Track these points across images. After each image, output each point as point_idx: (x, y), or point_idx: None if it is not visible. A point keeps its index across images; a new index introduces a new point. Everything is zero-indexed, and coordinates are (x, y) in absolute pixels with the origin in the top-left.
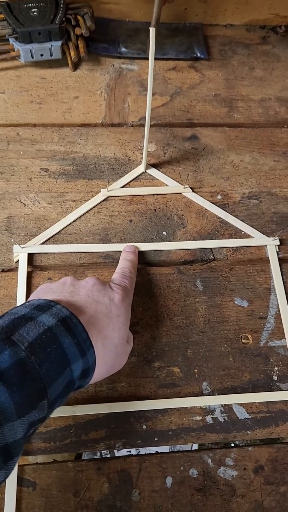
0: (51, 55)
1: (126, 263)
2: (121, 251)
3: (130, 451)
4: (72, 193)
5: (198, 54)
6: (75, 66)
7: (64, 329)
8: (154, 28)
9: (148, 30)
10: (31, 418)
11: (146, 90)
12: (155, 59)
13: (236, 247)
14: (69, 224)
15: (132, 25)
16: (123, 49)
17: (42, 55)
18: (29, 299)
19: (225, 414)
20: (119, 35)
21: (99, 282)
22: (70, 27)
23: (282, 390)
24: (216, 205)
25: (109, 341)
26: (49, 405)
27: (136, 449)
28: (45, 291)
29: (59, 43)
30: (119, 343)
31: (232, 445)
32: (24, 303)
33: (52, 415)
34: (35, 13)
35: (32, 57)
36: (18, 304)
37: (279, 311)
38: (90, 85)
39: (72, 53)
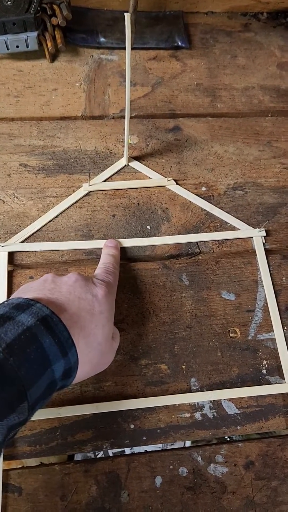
0: (27, 47)
1: (108, 258)
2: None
3: (124, 450)
4: (52, 188)
5: (179, 43)
6: (53, 58)
7: (44, 329)
8: (129, 14)
9: None
10: (10, 422)
11: None
12: (135, 48)
13: (222, 239)
14: (50, 221)
15: (110, 14)
16: (102, 39)
17: (18, 46)
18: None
19: (214, 410)
20: (97, 24)
21: (82, 277)
22: (46, 17)
23: (271, 384)
24: (200, 197)
25: (93, 339)
26: (29, 408)
27: (130, 449)
28: (26, 290)
29: (35, 33)
30: (104, 340)
31: (228, 439)
32: (3, 302)
33: (37, 418)
34: (8, 2)
35: (8, 49)
36: None
37: (266, 303)
38: (68, 77)
39: (49, 44)
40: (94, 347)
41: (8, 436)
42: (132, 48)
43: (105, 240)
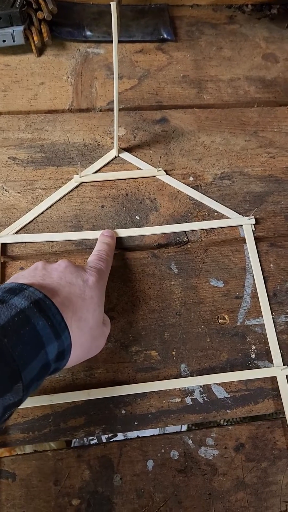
0: (14, 41)
1: (103, 245)
2: (93, 238)
3: (116, 435)
4: (41, 181)
5: (165, 36)
6: (40, 52)
7: (37, 311)
8: (114, 3)
9: None
10: (6, 402)
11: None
12: (121, 42)
13: (211, 228)
14: (42, 213)
15: (96, 8)
16: (88, 33)
17: (4, 41)
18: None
19: (204, 395)
20: (83, 18)
21: (72, 264)
22: (31, 11)
23: (260, 368)
24: (188, 187)
25: (84, 323)
26: (24, 388)
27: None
28: (17, 278)
29: (21, 28)
30: (95, 325)
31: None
32: None
33: (29, 405)
34: None
35: None
36: None
37: (255, 290)
38: (55, 71)
39: (35, 38)
40: (86, 332)
41: (4, 417)
42: (118, 41)
43: (95, 231)
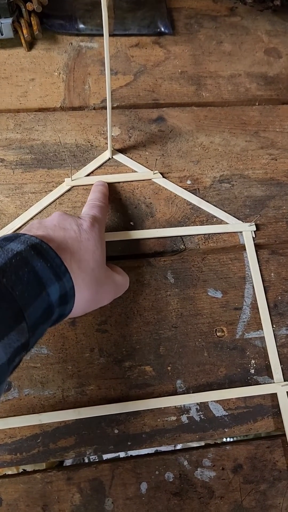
0: (2, 34)
1: (95, 194)
2: None
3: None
4: (31, 184)
5: (162, 29)
6: (30, 46)
7: (34, 254)
8: None
9: None
10: (12, 342)
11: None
12: (116, 35)
13: (209, 234)
14: (31, 218)
15: None
16: (81, 26)
17: None
18: None
19: (201, 413)
20: (75, 10)
21: (65, 213)
22: (20, 2)
23: (260, 384)
24: (186, 190)
25: (85, 264)
26: (29, 329)
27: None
28: None
29: (9, 20)
30: (96, 266)
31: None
32: None
33: (16, 425)
34: None
35: None
36: None
37: (254, 300)
38: (47, 66)
39: (25, 31)
40: (88, 273)
41: (14, 362)
42: (113, 35)
43: None
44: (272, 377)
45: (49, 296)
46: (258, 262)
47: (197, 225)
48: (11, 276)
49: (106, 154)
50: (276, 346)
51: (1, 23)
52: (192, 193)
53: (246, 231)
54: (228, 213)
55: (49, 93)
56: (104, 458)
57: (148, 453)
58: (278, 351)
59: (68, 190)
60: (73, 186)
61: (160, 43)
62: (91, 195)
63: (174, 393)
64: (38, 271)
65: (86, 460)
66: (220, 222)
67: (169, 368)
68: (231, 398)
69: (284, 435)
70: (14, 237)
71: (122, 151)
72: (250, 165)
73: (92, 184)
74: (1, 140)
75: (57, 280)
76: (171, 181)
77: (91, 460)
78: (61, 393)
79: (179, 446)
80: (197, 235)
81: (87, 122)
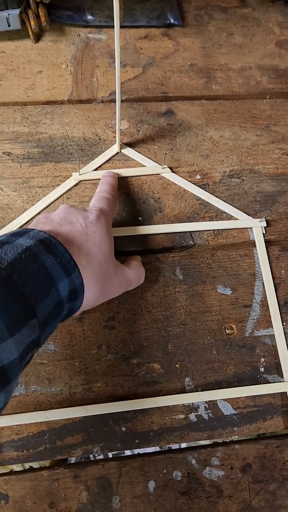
0: (9, 26)
1: (103, 186)
2: None
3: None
4: (38, 178)
5: (172, 21)
6: (37, 38)
7: (44, 249)
8: None
9: None
10: (24, 338)
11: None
12: (125, 27)
13: (218, 230)
14: (39, 213)
15: None
16: (90, 17)
17: None
18: None
19: (209, 411)
20: (84, 1)
21: (71, 206)
22: None
23: (269, 383)
24: (195, 185)
25: (92, 257)
26: (40, 325)
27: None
28: None
29: (16, 11)
30: (104, 259)
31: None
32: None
33: (23, 421)
34: None
35: None
36: None
37: (264, 298)
38: (54, 58)
39: (32, 23)
40: (96, 266)
41: (26, 358)
42: (122, 27)
43: None
44: (282, 376)
45: (59, 292)
46: (269, 258)
47: (206, 221)
48: (21, 273)
49: (114, 148)
50: (286, 344)
51: (8, 14)
52: (202, 188)
53: (256, 227)
54: (238, 209)
55: (56, 86)
56: (111, 456)
57: (156, 451)
58: None
59: (76, 185)
60: (81, 181)
61: (169, 35)
62: (99, 187)
63: (183, 391)
64: (48, 267)
65: (92, 458)
66: (230, 217)
67: (177, 365)
68: (240, 397)
69: None
70: (23, 232)
71: (130, 145)
72: (260, 160)
73: (98, 179)
74: (8, 134)
75: (66, 275)
76: (180, 175)
77: (97, 458)
78: (68, 390)
79: (185, 445)
80: (206, 230)
81: (95, 115)
